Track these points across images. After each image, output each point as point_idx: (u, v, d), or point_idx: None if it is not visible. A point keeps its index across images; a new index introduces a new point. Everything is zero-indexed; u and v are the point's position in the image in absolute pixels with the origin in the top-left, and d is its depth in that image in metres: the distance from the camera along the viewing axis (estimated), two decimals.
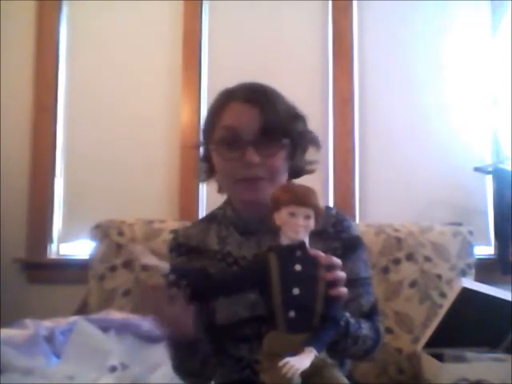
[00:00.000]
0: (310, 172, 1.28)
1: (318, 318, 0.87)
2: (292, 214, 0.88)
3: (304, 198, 0.88)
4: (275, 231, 0.90)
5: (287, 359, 0.79)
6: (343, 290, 0.91)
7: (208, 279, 0.94)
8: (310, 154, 1.28)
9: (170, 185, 2.44)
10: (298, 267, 0.88)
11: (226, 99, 1.21)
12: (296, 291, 0.86)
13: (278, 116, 1.16)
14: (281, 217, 0.88)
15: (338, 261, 0.92)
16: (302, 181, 1.08)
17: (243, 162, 1.16)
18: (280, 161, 1.18)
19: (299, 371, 0.79)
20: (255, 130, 1.15)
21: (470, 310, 1.59)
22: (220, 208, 1.31)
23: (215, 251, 1.26)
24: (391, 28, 2.43)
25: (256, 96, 1.18)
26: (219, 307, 1.21)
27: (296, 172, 1.26)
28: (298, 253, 0.88)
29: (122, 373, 1.55)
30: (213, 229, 1.28)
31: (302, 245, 0.89)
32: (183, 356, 1.09)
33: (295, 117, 1.23)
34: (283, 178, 1.20)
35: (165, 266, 0.93)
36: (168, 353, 1.14)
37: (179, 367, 1.14)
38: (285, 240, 0.89)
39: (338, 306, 0.91)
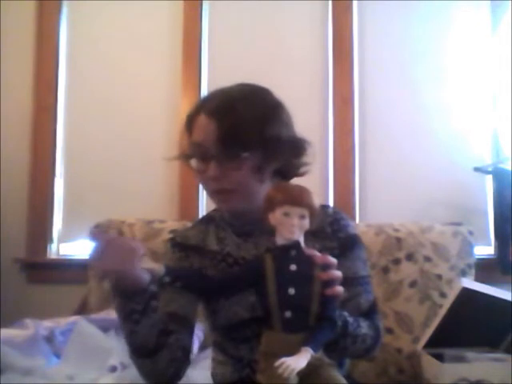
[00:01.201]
0: (301, 175, 1.26)
1: (314, 317, 0.87)
2: (286, 214, 0.88)
3: (298, 198, 0.88)
4: (273, 232, 0.90)
5: (283, 359, 0.79)
6: (339, 289, 0.90)
7: (203, 280, 0.94)
8: (307, 155, 1.25)
9: (170, 185, 2.44)
10: (293, 267, 0.88)
11: (196, 112, 1.21)
12: (291, 291, 0.86)
13: (237, 129, 1.13)
14: (275, 217, 0.88)
15: (333, 260, 0.91)
16: (302, 181, 1.06)
17: (207, 175, 1.17)
18: (244, 173, 1.16)
19: (295, 371, 0.79)
20: (216, 144, 1.15)
21: (469, 310, 1.59)
22: (216, 209, 1.31)
23: (215, 252, 1.25)
24: (391, 28, 2.42)
25: (217, 109, 1.16)
26: (219, 308, 1.21)
27: (284, 175, 1.24)
28: (293, 252, 0.88)
29: (122, 373, 1.56)
30: (211, 230, 1.28)
31: (296, 244, 0.89)
32: (130, 313, 1.07)
33: (268, 123, 1.17)
34: (258, 187, 1.17)
35: (160, 268, 0.93)
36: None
37: (128, 336, 1.11)
38: (280, 240, 0.89)
39: (334, 305, 0.91)
